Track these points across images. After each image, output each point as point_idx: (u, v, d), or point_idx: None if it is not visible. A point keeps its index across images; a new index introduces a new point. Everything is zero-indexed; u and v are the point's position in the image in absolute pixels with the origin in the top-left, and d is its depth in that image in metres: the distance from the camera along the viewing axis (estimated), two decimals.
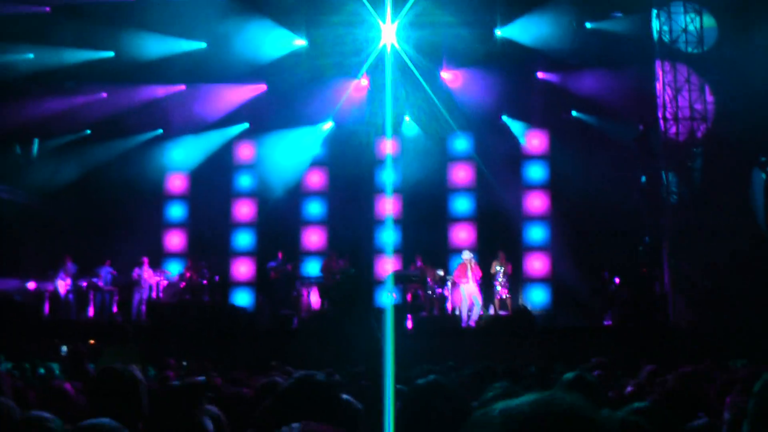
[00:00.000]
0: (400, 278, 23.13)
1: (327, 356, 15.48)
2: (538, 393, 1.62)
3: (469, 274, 22.03)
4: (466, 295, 21.90)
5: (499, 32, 24.88)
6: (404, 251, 25.69)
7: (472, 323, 21.57)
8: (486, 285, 22.95)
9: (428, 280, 22.73)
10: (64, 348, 15.79)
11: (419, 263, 23.35)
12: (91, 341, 18.53)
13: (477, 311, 21.85)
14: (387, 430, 2.84)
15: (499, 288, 22.80)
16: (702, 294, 21.01)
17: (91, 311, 23.21)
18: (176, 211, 27.90)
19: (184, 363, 14.17)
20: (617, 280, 22.43)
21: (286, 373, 11.16)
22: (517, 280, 24.66)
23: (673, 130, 22.29)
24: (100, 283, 23.33)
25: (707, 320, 20.37)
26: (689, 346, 17.38)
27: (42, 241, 25.10)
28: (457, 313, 22.08)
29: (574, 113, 25.51)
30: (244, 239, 27.50)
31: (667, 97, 22.40)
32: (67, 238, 25.44)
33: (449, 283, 22.70)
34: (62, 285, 23.18)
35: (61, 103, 25.62)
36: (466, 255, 22.54)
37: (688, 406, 6.27)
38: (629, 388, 8.09)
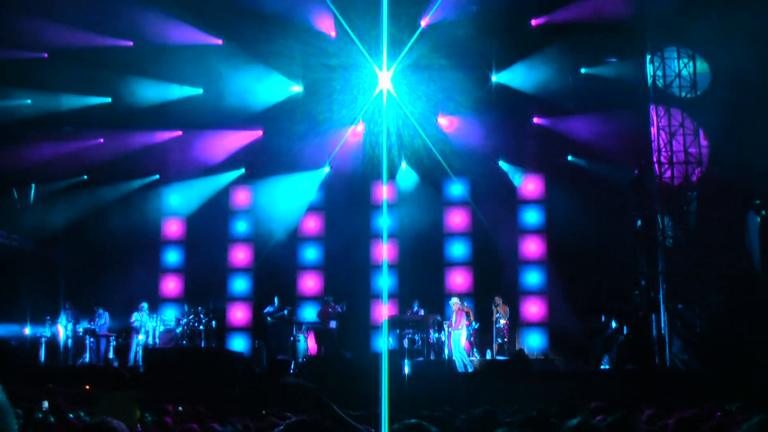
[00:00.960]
0: (396, 323, 23.12)
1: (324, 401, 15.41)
2: None
3: (453, 319, 22.00)
4: (461, 341, 21.80)
5: (494, 78, 25.03)
6: (400, 296, 25.68)
7: (470, 368, 21.49)
8: (486, 330, 22.98)
9: (427, 325, 22.70)
10: (45, 404, 15.65)
11: (417, 308, 23.36)
12: (87, 387, 18.39)
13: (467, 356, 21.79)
14: None
15: (498, 333, 22.83)
16: (698, 337, 21.00)
17: (87, 357, 23.12)
18: (173, 257, 27.88)
19: (180, 408, 14.06)
20: (614, 324, 22.41)
21: (284, 419, 11.13)
22: (514, 324, 24.64)
23: (668, 173, 22.40)
24: (97, 329, 23.25)
25: (704, 363, 20.34)
26: (687, 389, 17.32)
27: (38, 286, 25.05)
28: (454, 358, 22.00)
29: (569, 158, 25.63)
30: (240, 284, 27.48)
31: (661, 141, 22.53)
32: (64, 283, 25.41)
33: (446, 328, 22.68)
34: (61, 330, 23.11)
35: (58, 148, 25.66)
36: (456, 302, 22.47)
37: None
38: None
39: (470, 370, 21.27)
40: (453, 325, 21.87)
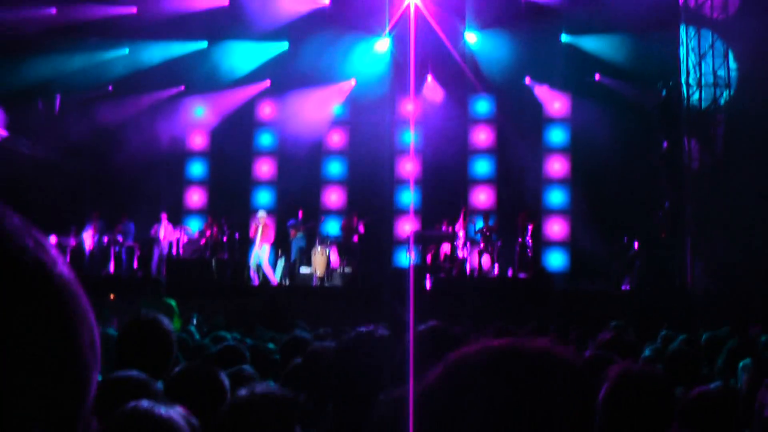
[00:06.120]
0: (419, 239, 23.18)
1: (345, 315, 15.55)
2: None
3: (260, 233, 22.26)
4: (264, 256, 22.39)
5: None
6: (423, 212, 25.75)
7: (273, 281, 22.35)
8: (509, 245, 23.02)
9: (456, 241, 22.70)
10: None
11: (444, 225, 23.35)
12: (112, 296, 18.66)
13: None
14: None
15: (520, 249, 22.87)
16: (720, 261, 20.99)
17: (111, 267, 23.35)
18: (197, 168, 28.00)
19: (194, 320, 14.25)
20: (636, 245, 22.41)
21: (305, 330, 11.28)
22: (536, 243, 24.66)
23: (696, 96, 22.18)
24: (122, 239, 23.43)
25: (725, 287, 20.36)
26: (707, 312, 17.38)
27: (62, 196, 25.17)
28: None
29: (596, 77, 25.40)
30: (264, 197, 27.58)
31: (690, 63, 22.27)
32: (88, 194, 25.57)
33: (469, 244, 22.73)
34: (87, 240, 23.27)
35: (84, 59, 25.63)
36: (262, 215, 23.00)
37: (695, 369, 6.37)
38: (647, 353, 8.13)
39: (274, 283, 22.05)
40: (259, 240, 22.26)
